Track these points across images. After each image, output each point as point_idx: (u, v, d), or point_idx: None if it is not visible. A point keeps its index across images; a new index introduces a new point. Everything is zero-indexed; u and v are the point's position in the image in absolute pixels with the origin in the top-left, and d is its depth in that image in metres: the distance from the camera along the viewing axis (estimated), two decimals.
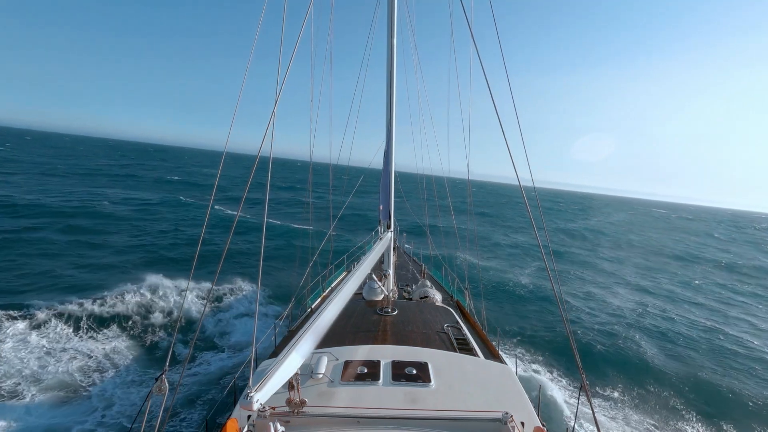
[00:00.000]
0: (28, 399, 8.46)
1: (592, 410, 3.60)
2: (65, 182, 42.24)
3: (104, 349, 10.69)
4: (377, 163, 8.69)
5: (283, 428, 3.60)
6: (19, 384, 8.84)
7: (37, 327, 11.15)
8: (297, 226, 29.40)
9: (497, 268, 24.08)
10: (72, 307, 12.23)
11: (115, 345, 10.94)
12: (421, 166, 13.55)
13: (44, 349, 10.26)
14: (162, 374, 3.30)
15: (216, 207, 36.36)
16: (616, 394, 10.88)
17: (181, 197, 40.70)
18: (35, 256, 17.53)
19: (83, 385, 9.09)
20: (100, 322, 12.02)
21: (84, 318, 11.91)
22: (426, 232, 14.86)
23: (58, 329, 11.22)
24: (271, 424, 3.50)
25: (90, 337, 11.26)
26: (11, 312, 11.54)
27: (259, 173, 3.83)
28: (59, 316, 11.75)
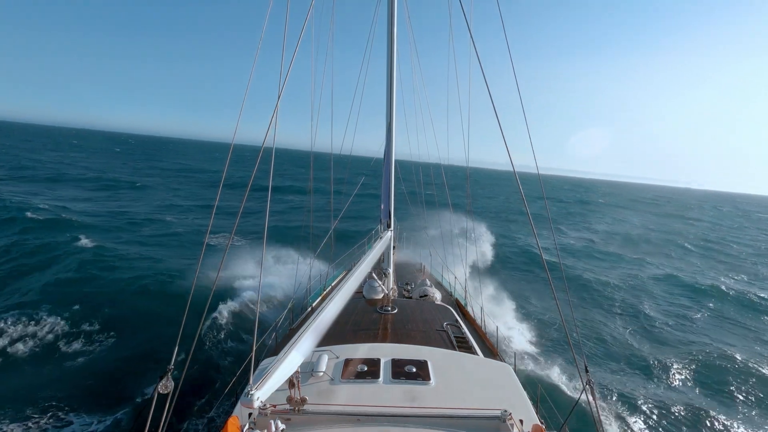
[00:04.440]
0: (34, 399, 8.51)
1: (597, 408, 3.62)
2: None
3: (107, 348, 10.73)
4: (381, 152, 8.67)
5: (283, 426, 3.63)
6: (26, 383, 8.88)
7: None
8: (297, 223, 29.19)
9: (498, 266, 24.07)
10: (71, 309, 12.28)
11: (117, 344, 10.99)
12: (418, 153, 13.53)
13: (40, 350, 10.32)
14: (167, 372, 3.34)
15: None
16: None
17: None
18: None
19: (86, 385, 9.12)
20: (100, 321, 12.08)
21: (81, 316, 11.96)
22: (426, 232, 14.89)
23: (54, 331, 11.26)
24: (272, 421, 3.54)
25: (89, 336, 11.31)
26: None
27: (259, 171, 3.92)
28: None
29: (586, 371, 3.92)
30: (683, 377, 12.41)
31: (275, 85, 3.94)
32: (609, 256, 29.43)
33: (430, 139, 12.91)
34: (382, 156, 8.50)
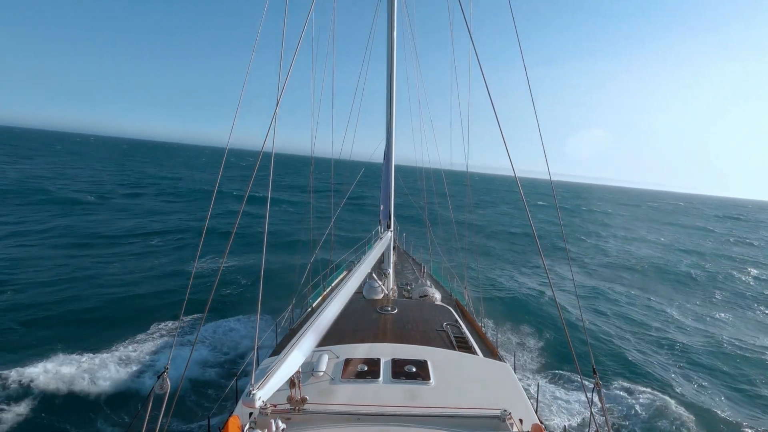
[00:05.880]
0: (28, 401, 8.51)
1: (605, 411, 3.62)
2: None
3: (107, 349, 10.74)
4: (377, 156, 8.67)
5: (284, 425, 3.65)
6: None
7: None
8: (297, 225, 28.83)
9: (497, 263, 24.10)
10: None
11: (118, 343, 11.00)
12: (420, 158, 13.49)
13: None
14: (164, 372, 3.35)
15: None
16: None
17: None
18: None
19: (83, 385, 9.13)
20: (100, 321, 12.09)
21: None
22: (427, 231, 14.89)
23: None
24: (273, 421, 3.56)
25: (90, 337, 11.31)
26: None
27: (255, 177, 3.85)
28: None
29: (594, 373, 3.90)
30: None
31: (274, 86, 3.89)
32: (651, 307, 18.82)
33: (431, 143, 12.86)
34: (375, 161, 8.55)
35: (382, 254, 8.77)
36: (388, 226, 8.60)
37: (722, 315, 18.80)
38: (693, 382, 12.00)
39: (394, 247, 10.38)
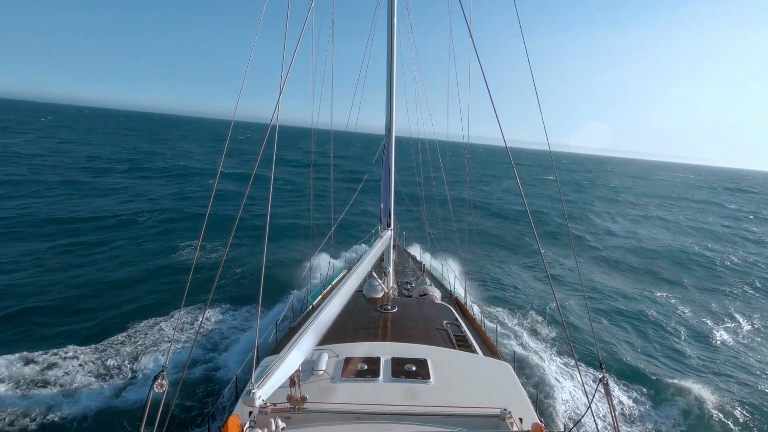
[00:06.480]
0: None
1: (612, 407, 3.59)
2: None
3: (104, 346, 10.75)
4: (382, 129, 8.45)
5: (284, 424, 3.65)
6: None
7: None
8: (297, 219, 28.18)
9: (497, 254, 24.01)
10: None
11: (115, 341, 11.00)
12: (417, 129, 13.18)
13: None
14: (162, 371, 3.34)
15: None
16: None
17: None
18: None
19: (82, 385, 9.13)
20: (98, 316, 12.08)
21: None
22: (426, 229, 14.86)
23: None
24: (272, 419, 3.56)
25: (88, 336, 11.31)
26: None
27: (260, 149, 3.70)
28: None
29: (601, 367, 3.87)
30: None
31: (277, 56, 3.74)
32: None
33: (432, 116, 12.47)
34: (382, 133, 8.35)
35: (382, 253, 8.77)
36: (388, 225, 8.59)
37: (748, 313, 17.01)
38: (711, 382, 11.64)
39: (394, 246, 10.38)
